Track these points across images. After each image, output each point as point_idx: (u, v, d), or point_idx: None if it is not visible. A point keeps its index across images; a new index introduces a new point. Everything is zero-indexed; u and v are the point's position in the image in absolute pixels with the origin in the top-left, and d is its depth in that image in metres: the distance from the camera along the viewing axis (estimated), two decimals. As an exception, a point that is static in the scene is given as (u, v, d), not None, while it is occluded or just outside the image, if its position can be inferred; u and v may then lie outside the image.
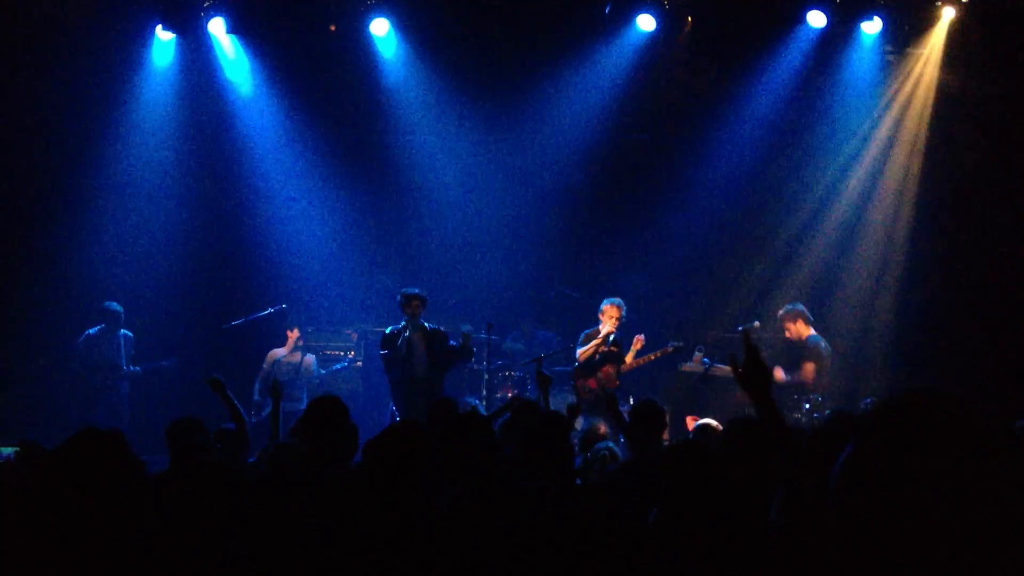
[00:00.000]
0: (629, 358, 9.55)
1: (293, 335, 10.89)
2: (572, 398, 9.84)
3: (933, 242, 10.70)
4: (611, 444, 5.69)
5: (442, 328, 9.68)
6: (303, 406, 10.39)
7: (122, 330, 10.54)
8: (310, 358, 11.02)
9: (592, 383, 9.39)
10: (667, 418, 5.99)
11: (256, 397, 10.62)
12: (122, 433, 3.54)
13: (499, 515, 3.67)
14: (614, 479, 5.09)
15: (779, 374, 9.22)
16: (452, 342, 9.48)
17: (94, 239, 11.25)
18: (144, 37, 10.88)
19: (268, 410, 10.47)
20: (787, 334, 9.52)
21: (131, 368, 10.59)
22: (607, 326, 9.40)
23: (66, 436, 3.38)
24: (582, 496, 4.60)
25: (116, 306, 10.51)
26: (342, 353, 11.52)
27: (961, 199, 10.60)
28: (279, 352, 10.90)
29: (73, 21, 10.41)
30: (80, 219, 11.24)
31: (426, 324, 9.53)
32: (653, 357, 9.63)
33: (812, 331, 9.49)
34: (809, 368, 9.25)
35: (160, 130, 11.37)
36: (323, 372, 11.10)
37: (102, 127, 11.16)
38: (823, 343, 9.43)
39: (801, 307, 9.55)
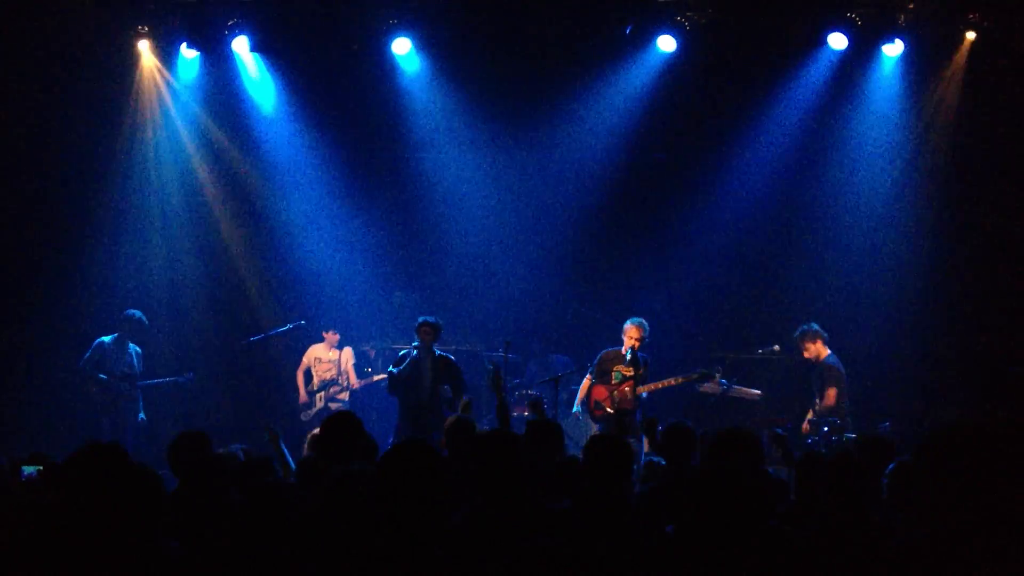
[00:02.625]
0: (645, 389, 9.44)
1: (331, 336, 11.09)
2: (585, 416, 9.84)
3: (955, 265, 10.64)
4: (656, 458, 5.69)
5: (452, 358, 9.67)
6: (347, 406, 10.66)
7: (131, 344, 10.43)
8: (348, 350, 11.19)
9: (607, 403, 9.35)
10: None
11: (304, 396, 10.85)
12: (121, 445, 3.57)
13: (519, 532, 3.67)
14: (646, 499, 5.07)
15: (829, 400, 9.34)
16: (446, 387, 9.44)
17: (115, 253, 11.34)
18: (170, 55, 11.00)
19: (316, 408, 10.69)
20: (806, 354, 9.52)
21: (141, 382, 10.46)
22: (628, 346, 9.37)
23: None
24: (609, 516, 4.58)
25: (133, 313, 10.38)
26: (368, 369, 11.59)
27: (983, 221, 10.55)
28: (318, 348, 11.11)
29: (99, 39, 10.54)
30: (102, 233, 11.33)
31: (436, 351, 9.56)
32: (675, 382, 9.53)
33: (829, 351, 9.50)
34: (832, 393, 9.32)
35: (183, 146, 11.47)
36: (363, 378, 11.17)
37: (126, 142, 11.27)
38: (840, 365, 9.45)
39: (817, 327, 9.55)
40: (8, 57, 10.47)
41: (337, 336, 11.13)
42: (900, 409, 9.93)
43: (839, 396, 9.30)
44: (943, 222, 10.77)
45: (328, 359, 11.08)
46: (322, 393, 10.92)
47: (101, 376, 10.24)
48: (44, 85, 10.73)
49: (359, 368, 11.33)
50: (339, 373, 11.04)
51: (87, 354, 10.28)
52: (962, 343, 10.43)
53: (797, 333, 9.58)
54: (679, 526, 3.63)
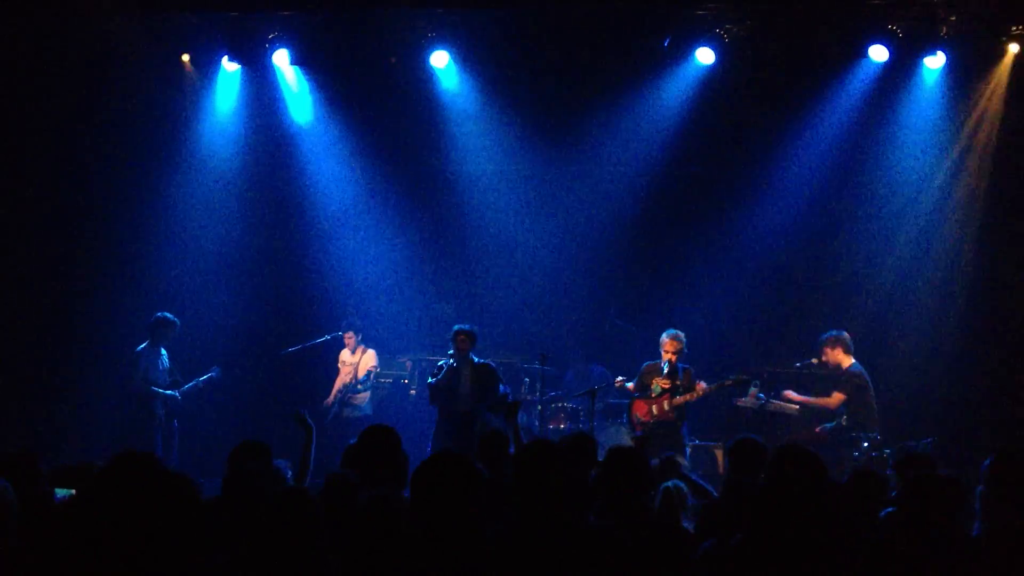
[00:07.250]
0: (681, 400, 9.38)
1: (347, 338, 11.05)
2: (625, 429, 9.78)
3: (998, 281, 10.49)
4: (680, 483, 5.57)
5: (492, 364, 9.71)
6: (366, 412, 10.64)
7: (162, 349, 10.31)
8: (371, 352, 11.12)
9: (647, 417, 9.32)
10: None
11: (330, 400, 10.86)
12: (155, 455, 3.60)
13: (557, 550, 3.64)
14: (706, 519, 4.97)
15: (792, 395, 9.55)
16: (504, 388, 9.52)
17: (157, 264, 11.47)
18: (211, 68, 11.14)
19: (331, 413, 10.69)
20: (824, 358, 9.50)
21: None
22: (666, 359, 9.33)
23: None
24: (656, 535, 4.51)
25: (165, 315, 10.25)
26: (405, 381, 11.59)
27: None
28: (344, 353, 11.12)
29: (145, 51, 10.70)
30: (144, 243, 11.48)
31: (475, 359, 9.58)
32: (709, 389, 9.46)
33: (853, 360, 9.43)
34: (837, 397, 9.33)
35: (224, 157, 11.60)
36: (381, 378, 11.16)
37: (169, 153, 11.42)
38: (865, 374, 9.38)
39: (845, 335, 9.49)
40: (55, 73, 10.67)
41: (352, 338, 11.04)
42: (942, 423, 9.81)
43: (847, 404, 9.27)
44: (985, 235, 10.63)
45: (350, 362, 11.01)
46: (339, 397, 10.89)
47: (157, 390, 10.12)
48: (91, 96, 10.92)
49: (396, 382, 11.33)
50: (354, 377, 10.94)
51: (141, 369, 10.10)
52: (1008, 357, 10.27)
53: (822, 336, 9.58)
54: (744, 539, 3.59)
